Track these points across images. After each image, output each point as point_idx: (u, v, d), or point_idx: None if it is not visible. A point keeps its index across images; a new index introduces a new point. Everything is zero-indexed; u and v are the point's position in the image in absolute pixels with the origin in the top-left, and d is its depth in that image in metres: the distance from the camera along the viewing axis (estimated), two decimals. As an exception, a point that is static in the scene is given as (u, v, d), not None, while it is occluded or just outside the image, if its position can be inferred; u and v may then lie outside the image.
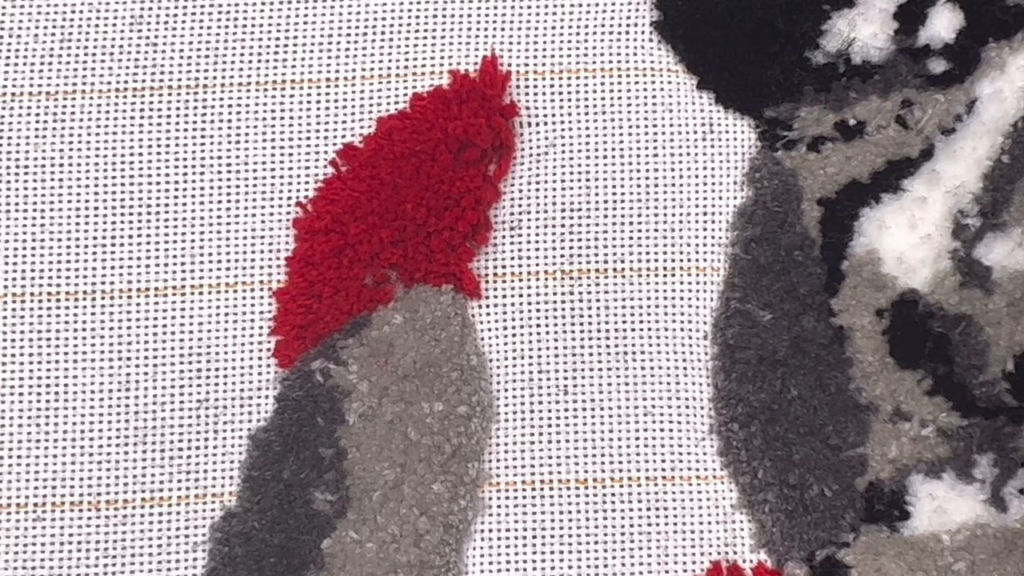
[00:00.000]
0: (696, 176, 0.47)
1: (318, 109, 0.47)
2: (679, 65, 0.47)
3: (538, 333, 0.46)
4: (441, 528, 0.44)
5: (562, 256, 0.46)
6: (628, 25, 0.47)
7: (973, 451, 0.44)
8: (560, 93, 0.47)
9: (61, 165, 0.47)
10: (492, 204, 0.46)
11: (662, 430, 0.45)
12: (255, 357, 0.46)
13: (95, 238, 0.47)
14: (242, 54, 0.47)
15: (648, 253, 0.46)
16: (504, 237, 0.46)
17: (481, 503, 0.45)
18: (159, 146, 0.47)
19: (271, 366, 0.46)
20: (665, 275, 0.46)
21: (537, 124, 0.47)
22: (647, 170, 0.47)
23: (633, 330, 0.46)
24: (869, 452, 0.45)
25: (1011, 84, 0.46)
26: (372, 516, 0.44)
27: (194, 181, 0.47)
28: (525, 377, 0.46)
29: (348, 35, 0.47)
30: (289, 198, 0.47)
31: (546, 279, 0.46)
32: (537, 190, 0.47)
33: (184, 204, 0.47)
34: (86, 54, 0.47)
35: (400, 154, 0.46)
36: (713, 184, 0.47)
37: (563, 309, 0.46)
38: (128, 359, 0.46)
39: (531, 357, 0.46)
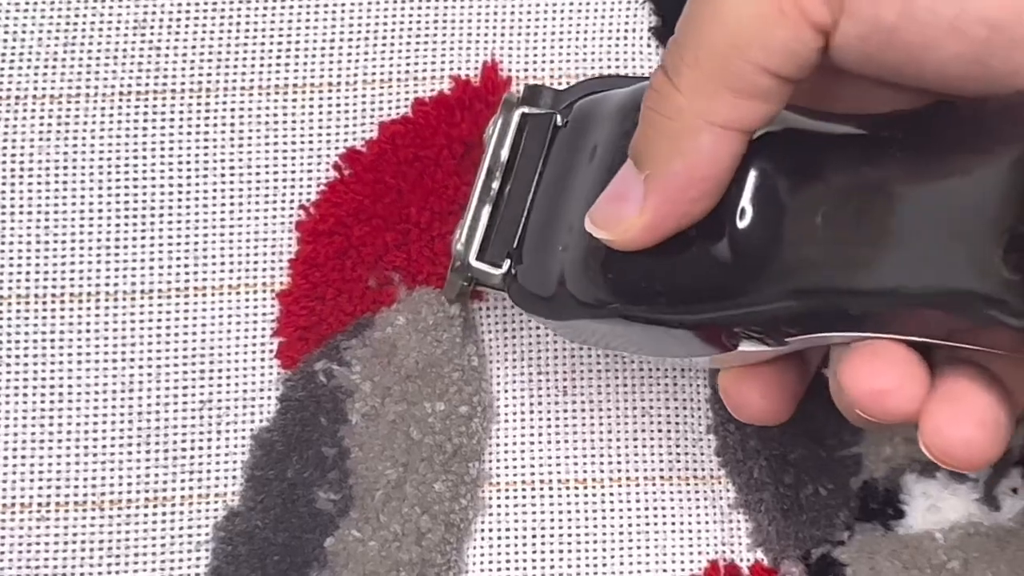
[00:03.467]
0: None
1: (321, 113, 0.47)
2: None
3: (538, 334, 0.46)
4: (442, 527, 0.45)
5: (562, 258, 0.46)
6: (626, 30, 0.48)
7: (966, 451, 0.45)
8: (559, 98, 0.48)
9: (65, 168, 0.47)
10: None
11: (660, 430, 0.46)
12: (258, 358, 0.46)
13: (99, 240, 0.47)
14: (245, 58, 0.48)
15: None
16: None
17: (481, 502, 0.45)
18: (162, 149, 0.47)
19: (274, 367, 0.46)
20: (663, 277, 0.46)
21: (538, 128, 0.47)
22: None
23: (632, 331, 0.46)
24: (863, 452, 0.45)
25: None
26: (375, 515, 0.45)
27: (198, 184, 0.47)
28: (525, 377, 0.46)
29: (351, 40, 0.48)
30: (292, 201, 0.47)
31: (546, 281, 0.46)
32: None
33: (188, 207, 0.47)
34: (90, 58, 0.48)
35: (403, 158, 0.46)
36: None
37: (563, 311, 0.46)
38: (132, 360, 0.46)
39: (531, 357, 0.46)
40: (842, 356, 0.36)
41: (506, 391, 0.46)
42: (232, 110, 0.47)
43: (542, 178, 0.43)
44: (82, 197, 0.47)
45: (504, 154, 0.43)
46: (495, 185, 0.43)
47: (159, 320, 0.46)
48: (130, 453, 0.46)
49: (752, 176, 0.36)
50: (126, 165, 0.47)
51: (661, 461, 0.46)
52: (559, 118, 0.43)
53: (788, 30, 0.34)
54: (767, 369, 0.40)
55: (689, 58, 0.35)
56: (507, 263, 0.43)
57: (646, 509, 0.45)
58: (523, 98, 0.44)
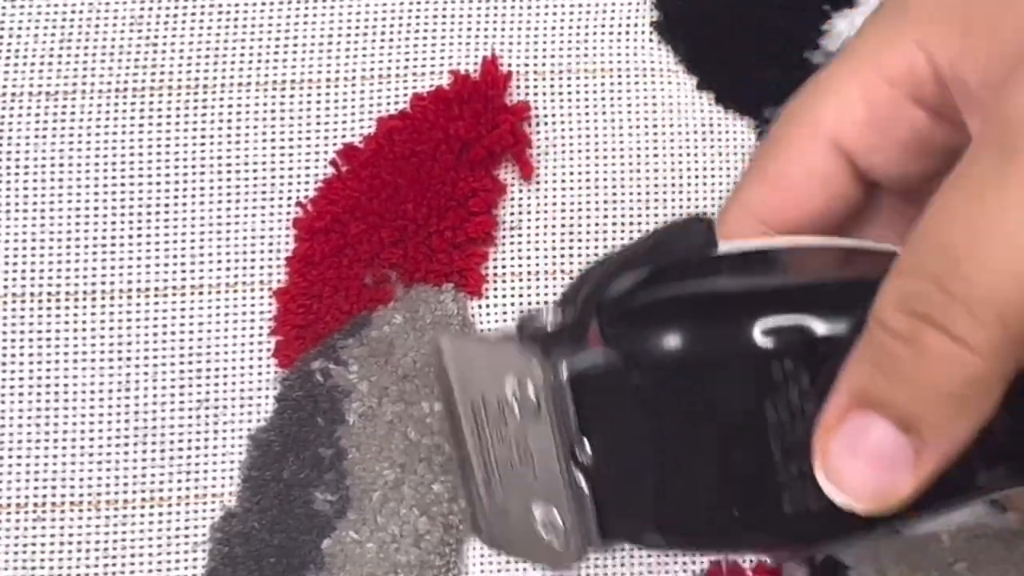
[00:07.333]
0: (696, 176, 0.47)
1: (318, 109, 0.47)
2: (679, 65, 0.47)
3: (538, 333, 0.46)
4: (441, 528, 0.44)
5: (562, 256, 0.46)
6: (628, 25, 0.47)
7: (973, 451, 0.44)
8: (560, 93, 0.47)
9: (61, 165, 0.47)
10: (499, 205, 0.46)
11: (662, 430, 0.45)
12: (255, 357, 0.46)
13: (95, 238, 0.47)
14: (242, 54, 0.47)
15: (648, 253, 0.46)
16: (504, 237, 0.46)
17: (481, 503, 0.45)
18: (159, 146, 0.47)
19: (271, 366, 0.46)
20: (665, 275, 0.46)
21: (538, 124, 0.47)
22: (647, 170, 0.47)
23: (633, 330, 0.46)
24: (869, 452, 0.45)
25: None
26: (372, 516, 0.44)
27: (194, 181, 0.47)
28: (525, 377, 0.46)
29: (348, 35, 0.48)
30: (289, 198, 0.47)
31: (546, 279, 0.46)
32: (537, 190, 0.47)
33: (184, 204, 0.47)
34: (86, 54, 0.47)
35: (400, 154, 0.46)
36: (713, 184, 0.47)
37: (563, 309, 0.46)
38: (128, 359, 0.46)
39: (531, 357, 0.46)
40: None
41: (506, 390, 0.45)
42: (229, 106, 0.47)
43: (649, 439, 0.34)
44: (78, 195, 0.47)
45: (574, 423, 0.34)
46: (574, 453, 0.35)
47: (155, 319, 0.46)
48: (126, 453, 0.46)
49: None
50: (122, 162, 0.47)
51: (663, 461, 0.45)
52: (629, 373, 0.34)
53: None
54: None
55: (989, 319, 0.31)
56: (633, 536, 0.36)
57: (648, 510, 0.45)
58: (521, 328, 0.35)
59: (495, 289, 0.46)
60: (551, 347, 0.34)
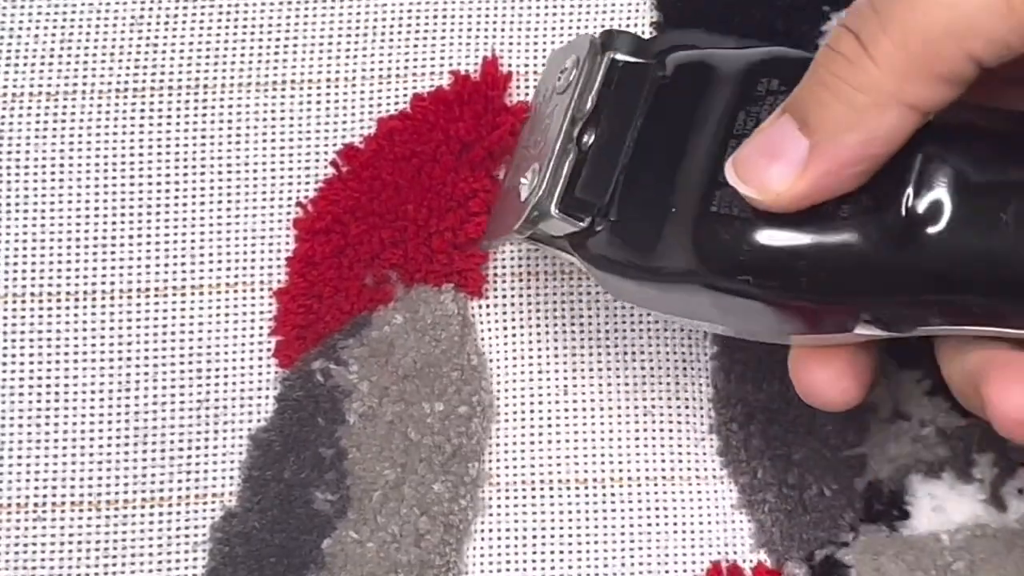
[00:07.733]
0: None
1: (318, 110, 0.47)
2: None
3: (538, 333, 0.46)
4: (441, 528, 0.44)
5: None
6: (628, 25, 0.47)
7: (972, 451, 0.44)
8: (560, 94, 0.47)
9: (61, 165, 0.47)
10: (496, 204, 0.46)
11: (662, 430, 0.45)
12: (256, 357, 0.46)
13: (95, 238, 0.47)
14: (242, 55, 0.48)
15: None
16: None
17: (481, 503, 0.45)
18: (159, 146, 0.47)
19: (271, 366, 0.46)
20: (665, 275, 0.46)
21: (537, 125, 0.47)
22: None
23: (633, 330, 0.46)
24: (868, 452, 0.45)
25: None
26: (372, 516, 0.44)
27: (194, 181, 0.47)
28: (525, 377, 0.46)
29: (348, 36, 0.48)
30: (289, 198, 0.47)
31: (546, 279, 0.46)
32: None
33: (184, 204, 0.47)
34: (86, 54, 0.48)
35: (401, 155, 0.46)
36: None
37: (563, 309, 0.46)
38: (128, 359, 0.46)
39: (531, 357, 0.46)
40: (990, 370, 0.36)
41: (506, 391, 0.46)
42: (229, 107, 0.47)
43: (640, 133, 0.40)
44: (78, 195, 0.47)
45: (590, 101, 0.41)
46: (582, 134, 0.41)
47: (155, 319, 0.46)
48: (127, 453, 0.46)
49: (926, 161, 0.35)
50: (122, 162, 0.47)
51: (663, 461, 0.45)
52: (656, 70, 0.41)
53: (1012, 23, 0.33)
54: (839, 353, 0.39)
55: (896, 35, 0.34)
56: (587, 219, 0.40)
57: (647, 509, 0.45)
58: (604, 43, 0.41)
59: (495, 289, 0.46)
60: (612, 42, 0.41)
